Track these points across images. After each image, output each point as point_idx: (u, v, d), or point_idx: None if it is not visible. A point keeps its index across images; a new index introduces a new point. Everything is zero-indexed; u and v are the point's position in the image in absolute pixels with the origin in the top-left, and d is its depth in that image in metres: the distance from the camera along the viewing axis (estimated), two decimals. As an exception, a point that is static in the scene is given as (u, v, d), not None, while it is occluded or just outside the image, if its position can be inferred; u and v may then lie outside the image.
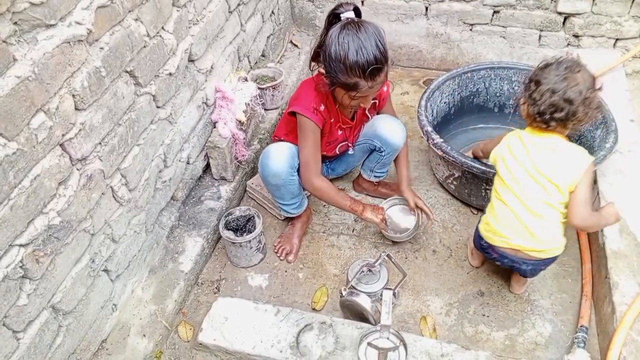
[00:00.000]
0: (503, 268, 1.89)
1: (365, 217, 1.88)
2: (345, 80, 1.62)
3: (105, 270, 1.62)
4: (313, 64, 1.77)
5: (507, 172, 1.58)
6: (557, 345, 1.69)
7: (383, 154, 2.04)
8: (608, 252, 1.75)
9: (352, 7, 1.67)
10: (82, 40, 1.32)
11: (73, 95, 1.33)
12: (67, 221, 1.38)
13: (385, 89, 1.96)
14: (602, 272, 1.75)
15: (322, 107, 1.79)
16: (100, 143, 1.47)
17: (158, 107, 1.75)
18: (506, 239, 1.59)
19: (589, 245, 1.93)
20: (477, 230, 1.73)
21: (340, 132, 1.94)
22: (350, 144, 2.04)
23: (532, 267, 1.62)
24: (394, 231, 2.01)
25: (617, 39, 2.59)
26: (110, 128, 1.51)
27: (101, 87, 1.42)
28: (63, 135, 1.32)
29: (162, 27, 1.71)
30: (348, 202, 1.88)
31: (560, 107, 1.45)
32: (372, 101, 1.93)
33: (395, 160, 2.08)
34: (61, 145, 1.33)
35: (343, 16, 1.65)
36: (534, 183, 1.52)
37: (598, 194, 1.95)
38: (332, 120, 1.86)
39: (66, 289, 1.43)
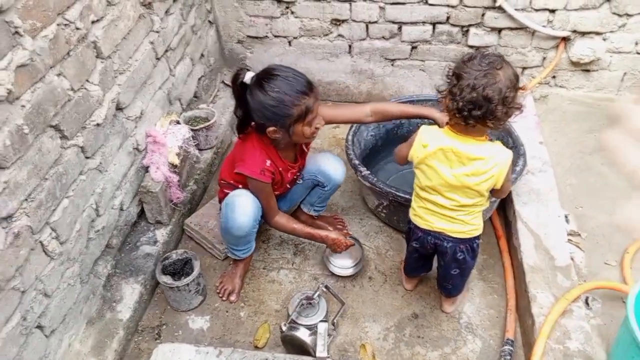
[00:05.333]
0: (434, 289, 2.00)
1: (330, 237, 1.98)
2: (298, 111, 1.69)
3: (39, 327, 1.58)
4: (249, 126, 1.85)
5: (427, 180, 1.59)
6: (487, 359, 1.80)
7: (326, 189, 2.12)
8: (525, 267, 1.89)
9: (247, 71, 1.75)
10: (2, 100, 1.33)
11: (-5, 155, 1.32)
12: (-6, 282, 1.35)
13: None
14: (522, 286, 1.89)
15: (268, 163, 1.84)
16: (26, 199, 1.46)
17: (87, 157, 1.76)
18: (430, 222, 1.67)
19: (511, 262, 2.08)
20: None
21: (289, 175, 2.00)
22: (298, 177, 2.11)
23: (452, 244, 1.67)
24: (338, 267, 2.08)
25: (524, 68, 2.83)
26: (37, 183, 1.50)
27: (24, 144, 1.42)
28: (-14, 195, 1.31)
29: (87, 80, 1.73)
30: (307, 230, 1.99)
31: (478, 105, 1.38)
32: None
33: None
34: (-16, 205, 1.32)
35: (247, 77, 1.73)
36: (453, 191, 1.56)
37: (514, 213, 2.11)
38: (280, 169, 1.91)
39: (-4, 350, 1.39)
